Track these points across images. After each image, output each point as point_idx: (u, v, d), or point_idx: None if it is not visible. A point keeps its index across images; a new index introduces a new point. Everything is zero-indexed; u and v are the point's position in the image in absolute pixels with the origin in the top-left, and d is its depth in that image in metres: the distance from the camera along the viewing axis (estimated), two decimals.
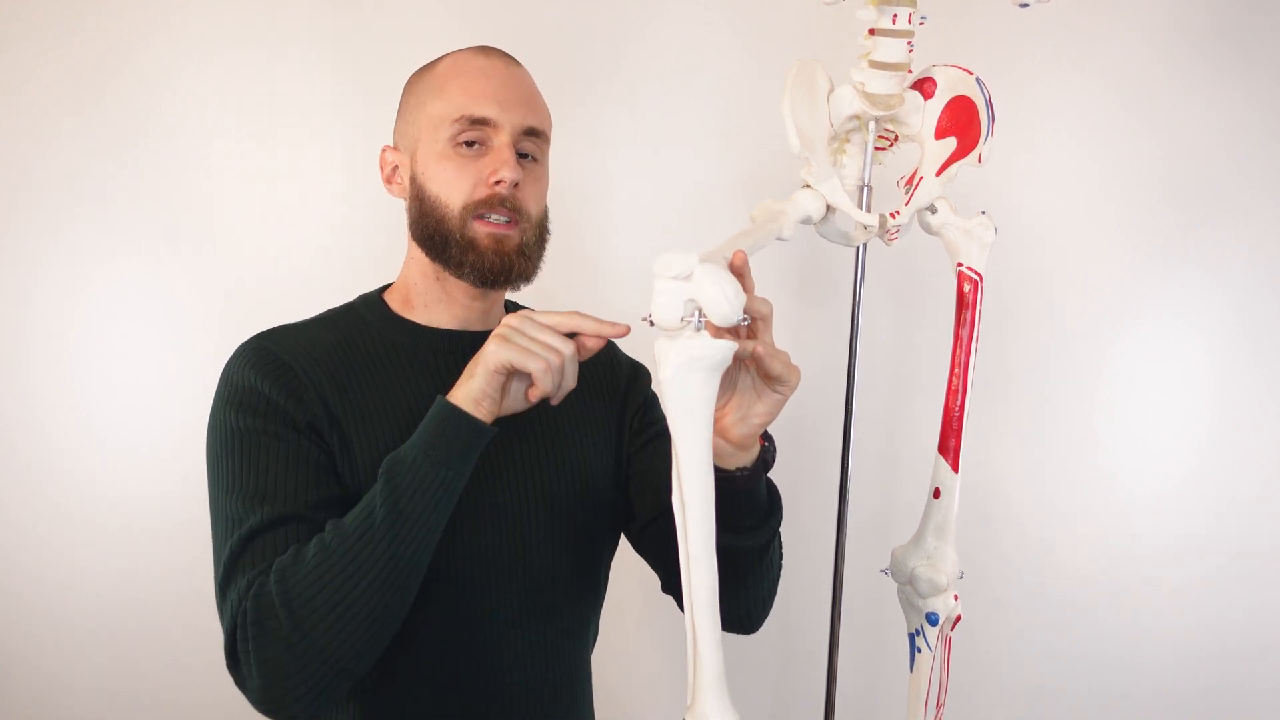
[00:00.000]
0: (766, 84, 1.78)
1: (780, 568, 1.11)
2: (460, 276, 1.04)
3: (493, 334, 0.92)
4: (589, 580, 1.14)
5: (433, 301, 1.08)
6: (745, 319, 0.84)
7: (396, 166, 1.09)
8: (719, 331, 0.86)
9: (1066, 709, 1.94)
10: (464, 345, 1.07)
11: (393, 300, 1.10)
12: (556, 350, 0.91)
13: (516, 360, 0.90)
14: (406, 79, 1.11)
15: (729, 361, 0.84)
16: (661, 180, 1.85)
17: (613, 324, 0.94)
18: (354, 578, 0.87)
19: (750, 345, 0.88)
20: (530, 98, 1.07)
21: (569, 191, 1.78)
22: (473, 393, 0.92)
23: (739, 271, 0.88)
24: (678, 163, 1.85)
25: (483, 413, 0.92)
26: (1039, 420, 1.89)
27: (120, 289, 1.81)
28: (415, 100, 1.07)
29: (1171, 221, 1.84)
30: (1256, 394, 1.86)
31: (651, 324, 0.85)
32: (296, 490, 0.94)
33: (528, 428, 1.08)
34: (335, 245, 1.81)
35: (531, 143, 1.05)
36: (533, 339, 0.92)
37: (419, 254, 1.07)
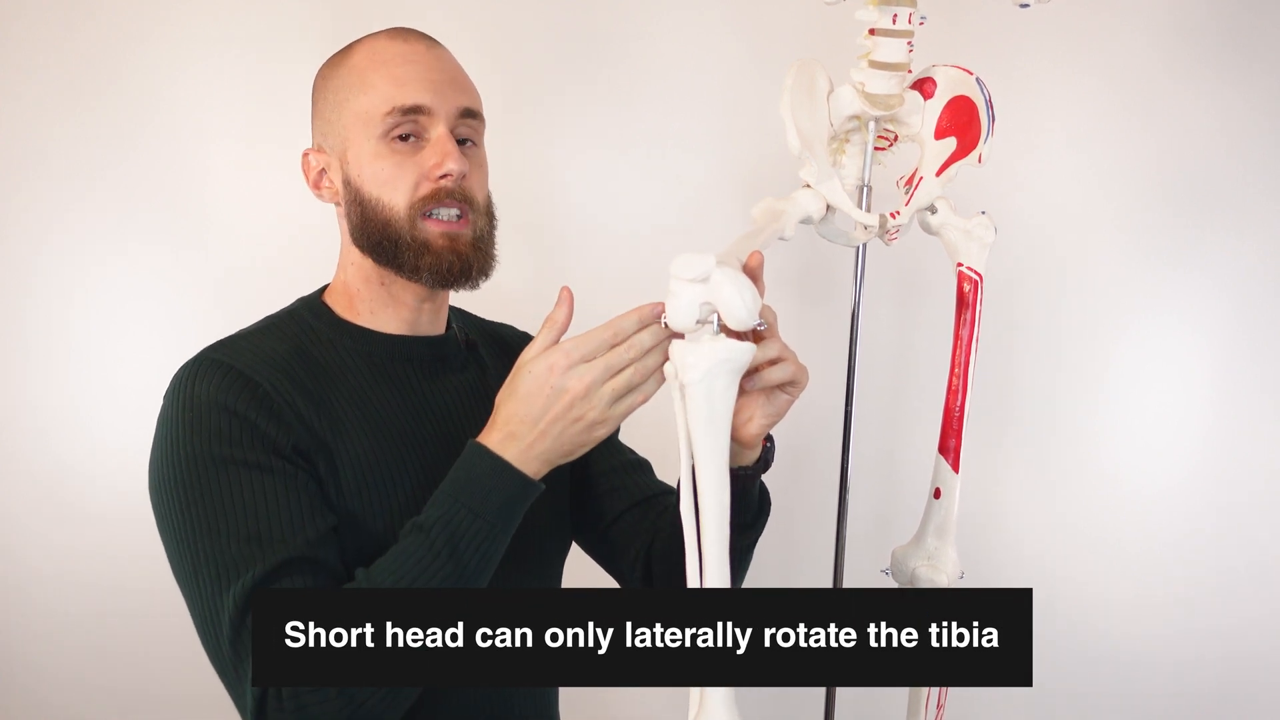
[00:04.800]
0: (766, 84, 1.77)
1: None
2: (417, 280, 0.97)
3: (568, 405, 0.84)
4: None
5: (379, 307, 1.01)
6: (762, 324, 0.85)
7: (324, 170, 1.01)
8: (731, 334, 0.85)
9: (1068, 709, 1.93)
10: (421, 351, 1.03)
11: (335, 304, 1.03)
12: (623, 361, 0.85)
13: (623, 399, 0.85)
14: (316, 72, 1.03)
15: (748, 365, 0.84)
16: (661, 180, 1.85)
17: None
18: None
19: (764, 353, 0.87)
20: (458, 77, 0.99)
21: (569, 192, 1.78)
22: (551, 459, 0.87)
23: (753, 273, 0.87)
24: (678, 163, 1.84)
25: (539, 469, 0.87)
26: (1039, 420, 1.89)
27: (119, 287, 1.81)
28: (334, 97, 0.99)
29: (1171, 221, 1.84)
30: (1257, 393, 1.86)
31: (665, 325, 0.85)
32: (294, 528, 0.85)
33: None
34: (335, 244, 1.80)
35: (468, 126, 0.99)
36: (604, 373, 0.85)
37: (359, 259, 1.00)
